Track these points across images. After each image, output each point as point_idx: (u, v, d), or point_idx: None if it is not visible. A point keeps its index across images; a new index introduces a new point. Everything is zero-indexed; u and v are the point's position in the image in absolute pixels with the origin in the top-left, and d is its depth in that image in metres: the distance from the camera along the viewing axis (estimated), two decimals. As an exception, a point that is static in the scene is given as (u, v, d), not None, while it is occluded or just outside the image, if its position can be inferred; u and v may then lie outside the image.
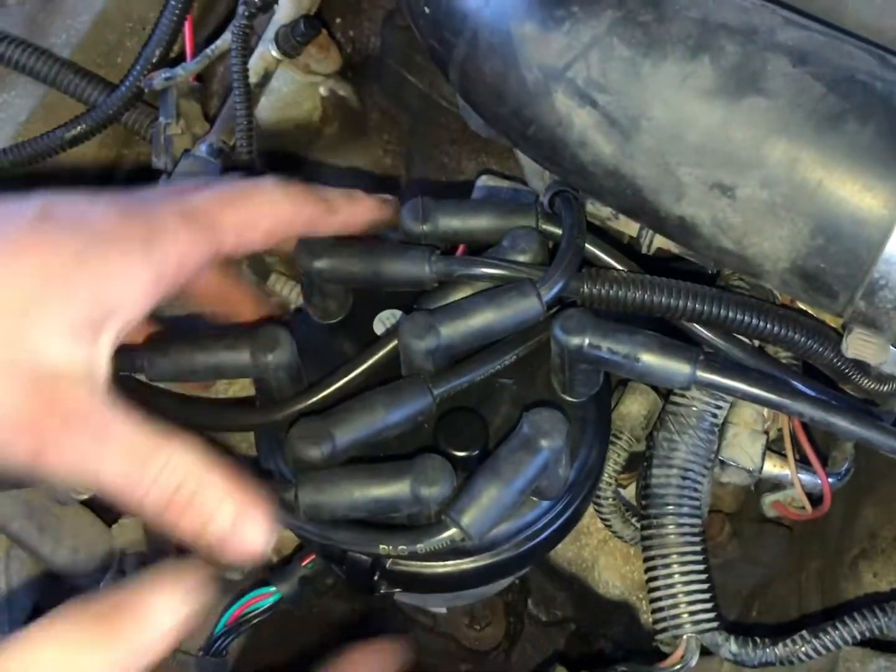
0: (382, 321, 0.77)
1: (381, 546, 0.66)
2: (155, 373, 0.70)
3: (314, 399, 0.72)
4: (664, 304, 0.71)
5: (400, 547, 0.66)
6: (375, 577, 0.71)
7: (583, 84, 0.62)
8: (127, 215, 0.58)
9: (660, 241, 0.78)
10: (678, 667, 0.76)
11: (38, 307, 0.53)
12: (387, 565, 0.71)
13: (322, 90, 1.06)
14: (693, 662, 0.76)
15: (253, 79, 0.92)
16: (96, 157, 1.03)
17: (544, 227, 0.75)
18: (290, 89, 1.03)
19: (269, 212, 0.65)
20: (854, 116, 0.59)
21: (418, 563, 0.71)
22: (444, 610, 1.01)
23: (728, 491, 0.96)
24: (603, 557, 0.93)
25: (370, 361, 0.73)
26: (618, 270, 0.74)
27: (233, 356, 0.70)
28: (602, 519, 0.86)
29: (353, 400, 0.70)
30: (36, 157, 0.96)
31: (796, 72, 0.60)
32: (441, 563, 0.71)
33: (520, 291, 0.71)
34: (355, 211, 0.70)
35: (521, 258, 0.73)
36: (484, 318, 0.71)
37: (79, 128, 0.97)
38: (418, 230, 0.74)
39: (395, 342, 0.73)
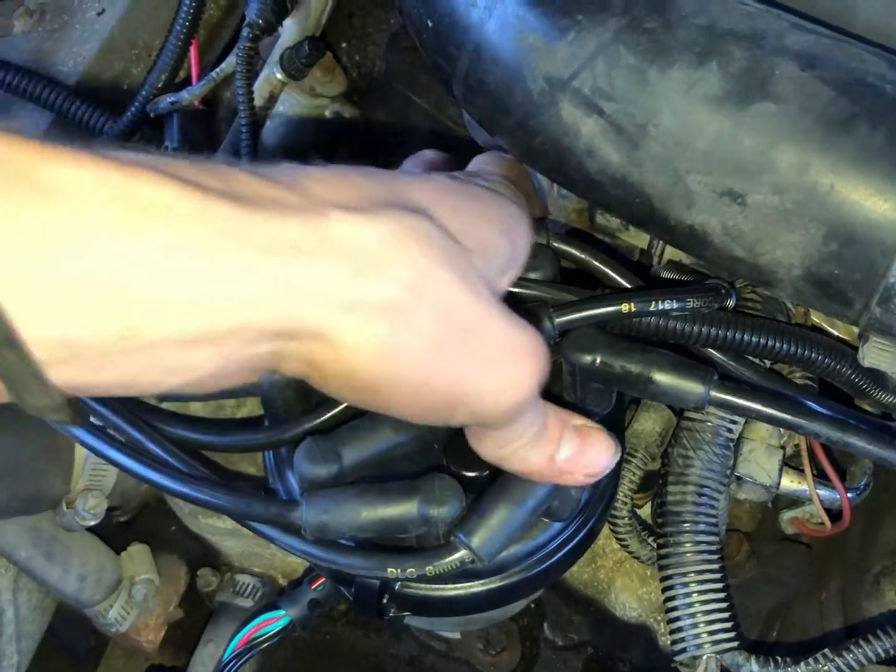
0: None
1: (390, 569, 0.65)
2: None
3: (322, 418, 0.71)
4: (678, 329, 0.71)
5: (408, 570, 0.64)
6: (384, 601, 0.70)
7: (589, 93, 0.61)
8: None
9: (671, 253, 0.77)
10: None
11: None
12: (395, 588, 0.69)
13: (328, 113, 1.06)
14: None
15: (258, 101, 0.92)
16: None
17: (556, 244, 0.74)
18: (296, 112, 1.03)
19: None
20: (864, 120, 0.58)
21: (427, 586, 0.70)
22: (457, 635, 0.99)
23: (745, 510, 0.94)
24: (619, 579, 0.92)
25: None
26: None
27: (239, 375, 0.69)
28: (618, 539, 0.85)
29: (361, 419, 0.69)
30: (42, 183, 0.96)
31: (805, 76, 0.59)
32: (451, 585, 0.70)
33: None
34: None
35: (532, 275, 0.72)
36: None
37: (85, 154, 0.96)
38: None
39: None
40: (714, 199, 0.60)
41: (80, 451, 0.84)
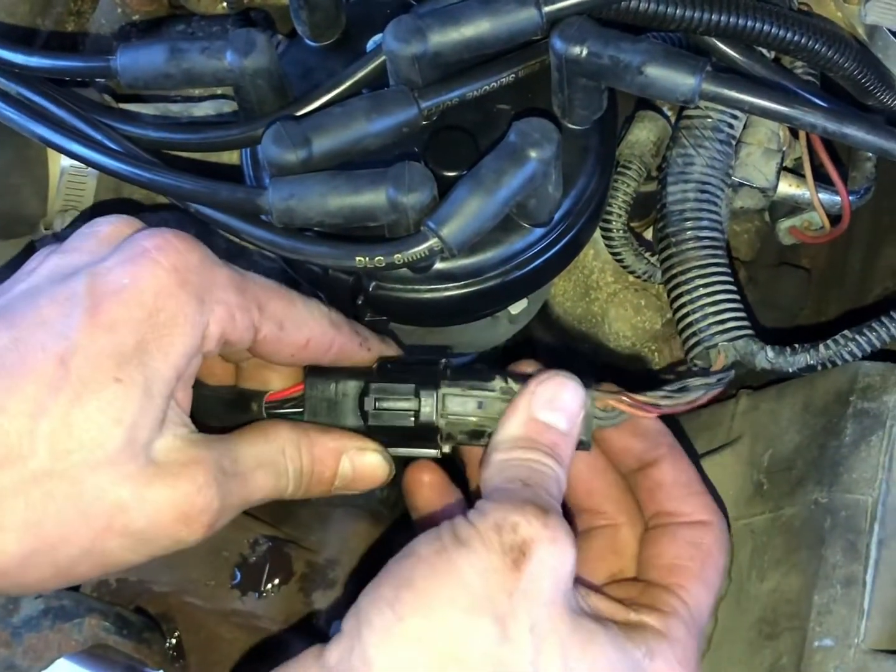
0: (377, 44, 0.72)
1: (358, 258, 0.63)
2: (129, 77, 0.67)
3: (301, 113, 0.67)
4: (676, 15, 0.67)
5: (377, 258, 0.62)
6: (359, 302, 0.68)
7: None
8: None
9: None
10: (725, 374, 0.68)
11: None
12: (370, 289, 0.68)
13: None
14: (732, 372, 0.69)
15: None
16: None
17: None
18: None
19: (312, 322, 0.63)
20: None
21: (403, 287, 0.68)
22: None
23: (743, 239, 0.92)
24: (613, 309, 0.90)
25: (356, 76, 0.69)
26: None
27: (209, 60, 0.66)
28: (613, 253, 0.82)
29: (334, 106, 0.66)
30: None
31: None
32: (426, 287, 0.68)
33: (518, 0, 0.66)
34: (386, 353, 0.69)
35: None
36: (477, 27, 0.66)
37: None
38: None
39: (383, 58, 0.68)
40: None
41: (53, 169, 0.80)
